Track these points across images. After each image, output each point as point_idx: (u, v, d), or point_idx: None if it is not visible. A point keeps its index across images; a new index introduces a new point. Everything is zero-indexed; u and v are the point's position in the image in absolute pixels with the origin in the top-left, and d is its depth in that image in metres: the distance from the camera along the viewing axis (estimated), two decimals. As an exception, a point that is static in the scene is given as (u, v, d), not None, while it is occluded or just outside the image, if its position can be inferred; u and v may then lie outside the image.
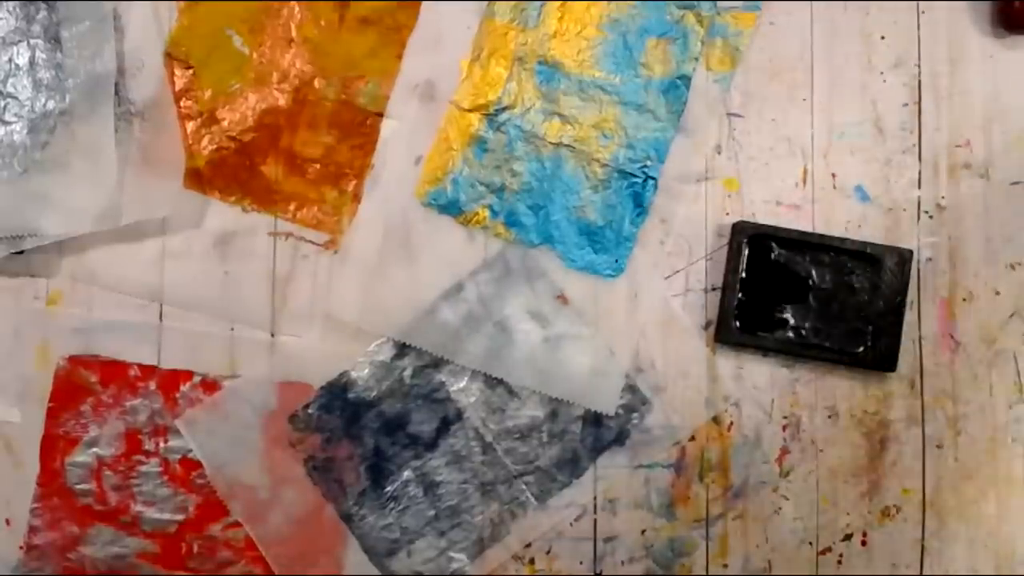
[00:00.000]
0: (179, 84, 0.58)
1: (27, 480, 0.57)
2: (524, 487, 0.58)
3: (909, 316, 0.59)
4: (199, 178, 0.58)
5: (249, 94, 0.59)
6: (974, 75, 0.61)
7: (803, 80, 0.60)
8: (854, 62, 0.61)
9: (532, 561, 0.58)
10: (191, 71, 0.58)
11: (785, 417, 0.59)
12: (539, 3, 0.59)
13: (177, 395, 0.57)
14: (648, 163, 0.59)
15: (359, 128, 0.59)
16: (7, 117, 0.56)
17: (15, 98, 0.56)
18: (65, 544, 0.57)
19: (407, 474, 0.58)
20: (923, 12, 0.61)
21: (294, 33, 0.59)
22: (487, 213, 0.59)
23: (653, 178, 0.59)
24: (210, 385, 0.58)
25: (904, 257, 0.58)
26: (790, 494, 0.59)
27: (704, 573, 0.59)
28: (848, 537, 0.59)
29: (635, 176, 0.59)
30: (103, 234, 0.56)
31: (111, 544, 0.57)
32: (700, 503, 0.59)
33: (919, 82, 0.61)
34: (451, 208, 0.59)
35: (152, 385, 0.57)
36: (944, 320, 0.60)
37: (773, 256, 0.59)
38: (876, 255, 0.58)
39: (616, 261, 0.59)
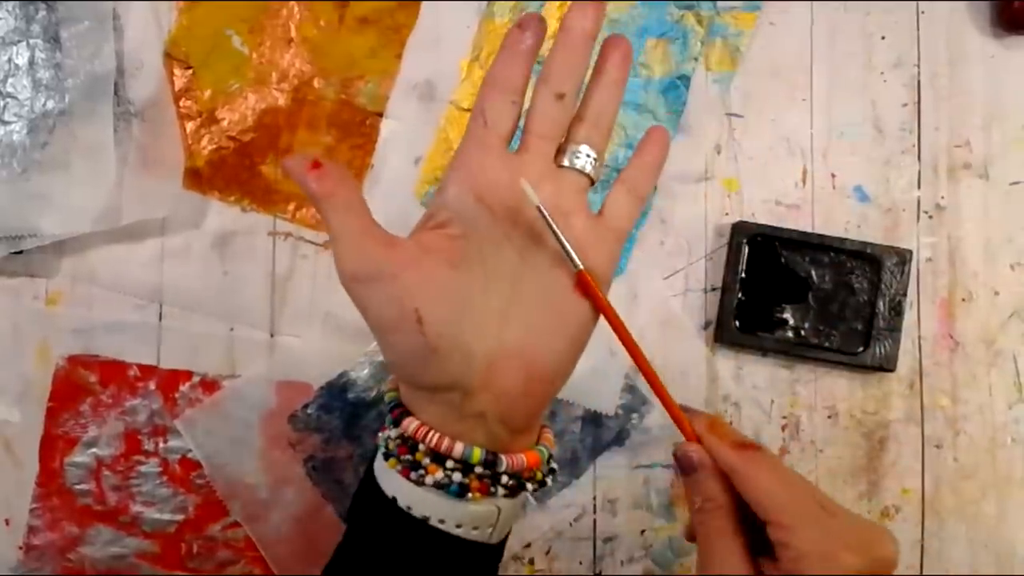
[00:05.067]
0: (179, 84, 0.58)
1: (26, 480, 0.57)
2: (524, 487, 0.58)
3: (909, 316, 0.59)
4: (199, 178, 0.58)
5: (249, 94, 0.59)
6: (974, 75, 0.61)
7: (803, 80, 0.60)
8: (854, 62, 0.61)
9: (532, 561, 0.58)
10: (191, 71, 0.58)
11: (785, 417, 0.59)
12: (539, 3, 0.59)
13: (177, 395, 0.57)
14: (648, 163, 0.59)
15: (359, 128, 0.59)
16: (7, 117, 0.56)
17: (15, 98, 0.56)
18: (65, 544, 0.57)
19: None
20: (923, 12, 0.61)
21: (294, 33, 0.59)
22: (487, 213, 0.59)
23: (653, 178, 0.59)
24: (210, 385, 0.58)
25: (904, 257, 0.58)
26: (790, 494, 0.59)
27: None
28: (848, 537, 0.59)
29: (635, 176, 0.59)
30: (103, 234, 0.56)
31: (111, 544, 0.57)
32: (700, 503, 0.59)
33: (919, 82, 0.61)
34: (451, 208, 0.58)
35: (152, 385, 0.57)
36: (944, 320, 0.60)
37: (773, 256, 0.59)
38: (876, 255, 0.58)
39: (616, 261, 0.59)
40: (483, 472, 0.34)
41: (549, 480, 0.37)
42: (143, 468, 0.57)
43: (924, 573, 0.59)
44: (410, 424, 0.34)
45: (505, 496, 0.35)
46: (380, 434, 0.36)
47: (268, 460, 0.58)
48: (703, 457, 0.35)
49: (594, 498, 0.59)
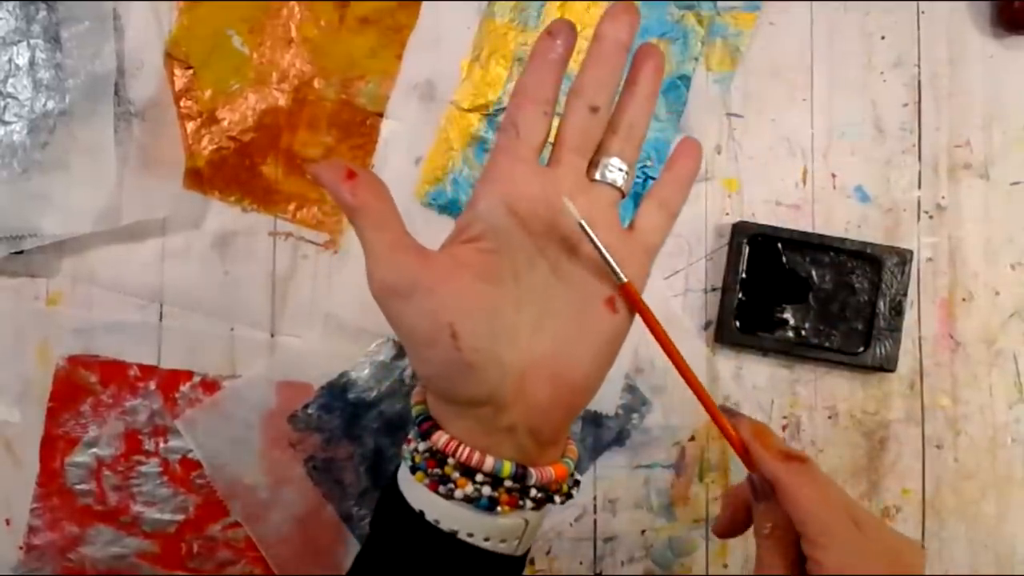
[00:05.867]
0: (179, 84, 0.58)
1: (27, 480, 0.57)
2: (524, 487, 0.58)
3: (909, 316, 0.59)
4: (199, 178, 0.58)
5: (249, 94, 0.59)
6: (974, 75, 0.61)
7: (803, 80, 0.60)
8: (854, 62, 0.61)
9: (532, 561, 0.58)
10: (191, 71, 0.58)
11: (785, 417, 0.59)
12: (539, 3, 0.59)
13: (177, 395, 0.57)
14: (648, 163, 0.59)
15: (359, 128, 0.59)
16: (7, 117, 0.56)
17: (15, 98, 0.56)
18: (65, 544, 0.57)
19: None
20: (923, 12, 0.61)
21: (294, 33, 0.59)
22: (487, 213, 0.59)
23: (653, 178, 0.59)
24: (210, 385, 0.58)
25: (904, 257, 0.58)
26: (790, 494, 0.59)
27: (704, 573, 0.59)
28: (848, 537, 0.59)
29: (635, 176, 0.59)
30: (103, 234, 0.56)
31: (111, 544, 0.57)
32: (700, 503, 0.59)
33: (919, 82, 0.61)
34: (451, 208, 0.59)
35: (152, 385, 0.57)
36: (944, 320, 0.60)
37: (773, 256, 0.59)
38: (876, 255, 0.58)
39: (616, 261, 0.59)
40: (512, 486, 0.34)
41: (575, 492, 0.37)
42: (143, 468, 0.57)
43: (924, 573, 0.59)
44: (440, 438, 0.34)
45: (532, 509, 0.35)
46: (405, 447, 0.36)
47: (268, 460, 0.58)
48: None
49: (594, 498, 0.59)
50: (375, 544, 0.37)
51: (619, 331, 0.36)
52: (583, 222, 0.34)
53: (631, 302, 0.35)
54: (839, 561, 0.33)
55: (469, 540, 0.34)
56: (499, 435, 0.34)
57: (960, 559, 0.59)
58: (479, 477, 0.34)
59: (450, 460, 0.34)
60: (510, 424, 0.34)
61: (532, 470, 0.34)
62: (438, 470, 0.34)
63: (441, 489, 0.34)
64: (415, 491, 0.35)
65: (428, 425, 0.35)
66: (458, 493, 0.34)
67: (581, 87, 0.35)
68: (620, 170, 0.36)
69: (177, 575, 0.57)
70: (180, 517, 0.57)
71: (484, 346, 0.33)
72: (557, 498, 0.36)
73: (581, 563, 0.59)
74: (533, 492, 0.35)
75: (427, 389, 0.36)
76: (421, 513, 0.34)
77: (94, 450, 0.57)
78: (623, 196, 0.36)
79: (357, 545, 0.58)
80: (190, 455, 0.57)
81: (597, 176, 0.36)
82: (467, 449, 0.34)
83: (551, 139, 0.36)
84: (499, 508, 0.34)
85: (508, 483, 0.34)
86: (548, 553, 0.59)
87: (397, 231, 0.33)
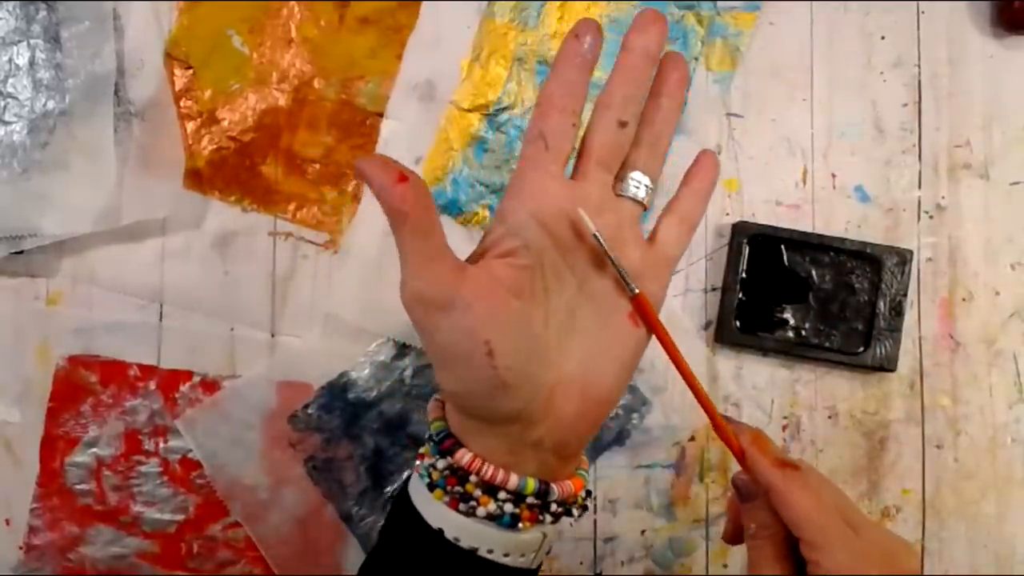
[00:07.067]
0: (179, 84, 0.58)
1: (27, 480, 0.57)
2: (524, 487, 0.58)
3: (909, 316, 0.59)
4: (199, 178, 0.58)
5: (249, 94, 0.59)
6: (974, 75, 0.61)
7: (803, 80, 0.60)
8: (854, 62, 0.61)
9: (532, 561, 0.58)
10: (191, 71, 0.58)
11: (785, 417, 0.59)
12: (539, 3, 0.59)
13: (177, 395, 0.57)
14: (648, 163, 0.59)
15: (359, 128, 0.59)
16: (7, 117, 0.56)
17: (15, 98, 0.56)
18: (65, 544, 0.57)
19: (407, 474, 0.58)
20: (923, 12, 0.61)
21: (294, 33, 0.59)
22: (487, 213, 0.59)
23: (653, 178, 0.59)
24: (210, 385, 0.58)
25: (904, 257, 0.58)
26: (790, 494, 0.59)
27: (704, 573, 0.59)
28: (848, 537, 0.59)
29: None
30: (103, 234, 0.56)
31: (111, 544, 0.57)
32: (700, 503, 0.59)
33: (919, 82, 0.61)
34: (451, 208, 0.59)
35: (152, 385, 0.57)
36: (944, 320, 0.60)
37: (773, 256, 0.59)
38: (876, 255, 0.58)
39: (616, 261, 0.59)
40: (534, 502, 0.34)
41: (588, 503, 0.37)
42: (143, 468, 0.57)
43: (924, 573, 0.59)
44: (463, 456, 0.34)
45: (551, 523, 0.35)
46: (419, 463, 0.36)
47: (268, 460, 0.58)
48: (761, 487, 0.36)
49: (595, 498, 0.59)
50: (391, 560, 0.36)
51: (641, 343, 0.36)
52: (598, 234, 0.33)
53: (643, 314, 0.35)
54: (835, 562, 0.33)
55: (489, 556, 0.34)
56: (525, 451, 0.34)
57: (960, 559, 0.59)
58: (502, 495, 0.33)
59: (472, 478, 0.33)
60: (537, 440, 0.34)
61: (554, 486, 0.34)
62: (459, 488, 0.34)
63: (462, 507, 0.34)
64: (433, 509, 0.34)
65: (451, 443, 0.34)
66: (480, 511, 0.33)
67: (610, 100, 0.35)
68: (644, 185, 0.36)
69: (177, 575, 0.57)
70: (180, 517, 0.57)
71: (519, 364, 0.32)
72: (575, 511, 0.36)
73: (581, 563, 0.59)
74: (553, 507, 0.34)
75: (453, 405, 0.35)
76: (440, 531, 0.34)
77: (94, 450, 0.57)
78: (645, 209, 0.36)
79: (357, 545, 0.58)
80: (190, 455, 0.57)
81: (621, 191, 0.36)
82: (491, 467, 0.33)
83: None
84: (520, 524, 0.34)
85: (530, 500, 0.34)
86: (548, 553, 0.58)
87: (438, 241, 0.32)
